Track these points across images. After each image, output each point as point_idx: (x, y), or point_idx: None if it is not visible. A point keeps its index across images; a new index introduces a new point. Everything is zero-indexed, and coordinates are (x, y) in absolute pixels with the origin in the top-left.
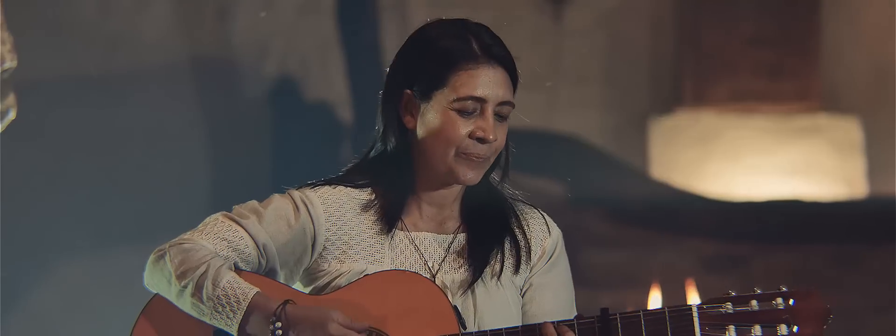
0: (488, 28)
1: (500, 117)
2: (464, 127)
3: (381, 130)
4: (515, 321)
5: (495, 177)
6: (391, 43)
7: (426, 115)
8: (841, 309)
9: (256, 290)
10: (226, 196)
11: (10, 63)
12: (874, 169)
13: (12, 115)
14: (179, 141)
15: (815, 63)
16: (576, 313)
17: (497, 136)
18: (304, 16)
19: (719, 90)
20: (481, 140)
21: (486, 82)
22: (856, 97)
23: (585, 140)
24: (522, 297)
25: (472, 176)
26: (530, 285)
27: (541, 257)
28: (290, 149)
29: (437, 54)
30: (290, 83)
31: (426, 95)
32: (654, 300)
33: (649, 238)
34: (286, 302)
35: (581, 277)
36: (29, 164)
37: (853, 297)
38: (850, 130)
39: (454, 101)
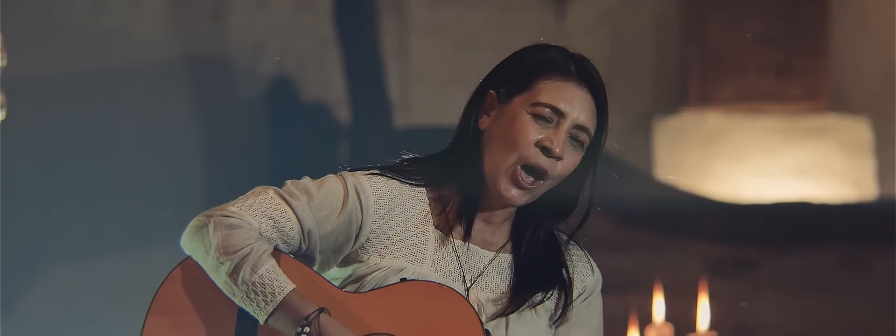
0: (592, 62)
1: (574, 142)
2: (534, 133)
3: (456, 133)
4: None
5: (564, 231)
6: (390, 41)
7: (501, 115)
8: (850, 312)
9: (293, 286)
10: (220, 198)
11: (0, 62)
12: (883, 170)
13: (2, 115)
14: (173, 141)
15: (823, 62)
16: None
17: (563, 154)
18: (301, 14)
19: (725, 90)
20: (546, 151)
21: (569, 98)
22: (865, 97)
23: None
24: (556, 329)
25: (515, 193)
26: (566, 319)
27: (580, 295)
28: (287, 150)
29: (532, 62)
30: (287, 83)
31: (508, 97)
32: (658, 305)
33: (654, 241)
34: (321, 310)
35: None
36: (20, 165)
37: (862, 301)
38: (858, 131)
39: (533, 105)
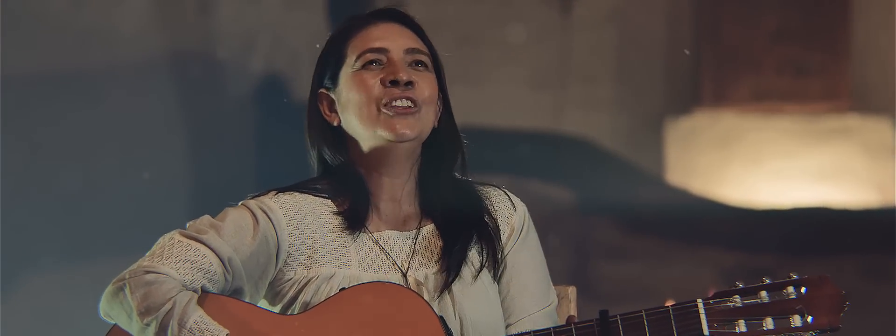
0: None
1: (419, 65)
2: (372, 78)
3: (315, 147)
4: (495, 308)
5: (457, 173)
6: None
7: (340, 96)
8: (873, 324)
9: (226, 331)
10: (208, 201)
11: None
12: None
13: None
14: (158, 142)
15: (844, 59)
16: (553, 292)
17: (411, 77)
18: (293, 9)
19: (741, 89)
20: (394, 83)
21: (381, 35)
22: (888, 96)
23: (596, 143)
24: (499, 280)
25: (399, 126)
26: (505, 266)
27: (510, 236)
28: (277, 151)
29: (332, 42)
30: (278, 81)
31: (335, 81)
32: None
33: (665, 248)
34: None
35: (591, 290)
36: None
37: (886, 311)
38: (882, 132)
39: (355, 61)
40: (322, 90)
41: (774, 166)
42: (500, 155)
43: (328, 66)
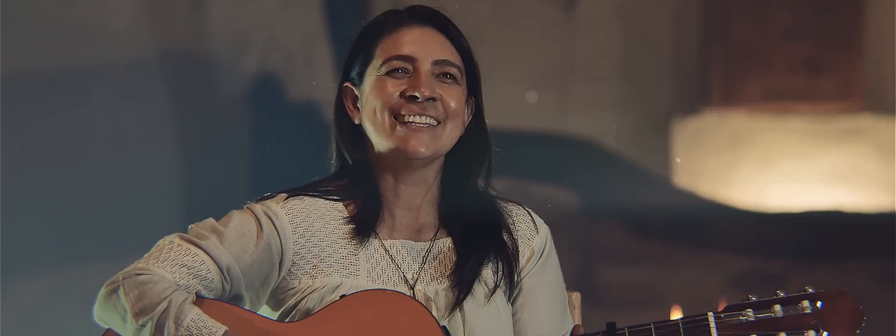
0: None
1: (447, 77)
2: (394, 87)
3: (335, 141)
4: (507, 332)
5: (480, 183)
6: None
7: (362, 95)
8: (886, 332)
9: (224, 328)
10: (200, 204)
11: None
12: None
13: None
14: (149, 144)
15: (857, 58)
16: (570, 320)
17: (435, 93)
18: (288, 6)
19: (751, 88)
20: (413, 98)
21: (411, 41)
22: None
23: (601, 144)
24: (513, 303)
25: (414, 143)
26: (520, 289)
27: (529, 259)
28: (272, 153)
29: (364, 35)
30: (272, 80)
31: (361, 77)
32: None
33: (672, 253)
34: None
35: (596, 296)
36: None
37: None
38: None
39: (382, 65)
40: (348, 84)
41: (786, 168)
42: (502, 156)
43: (356, 61)
